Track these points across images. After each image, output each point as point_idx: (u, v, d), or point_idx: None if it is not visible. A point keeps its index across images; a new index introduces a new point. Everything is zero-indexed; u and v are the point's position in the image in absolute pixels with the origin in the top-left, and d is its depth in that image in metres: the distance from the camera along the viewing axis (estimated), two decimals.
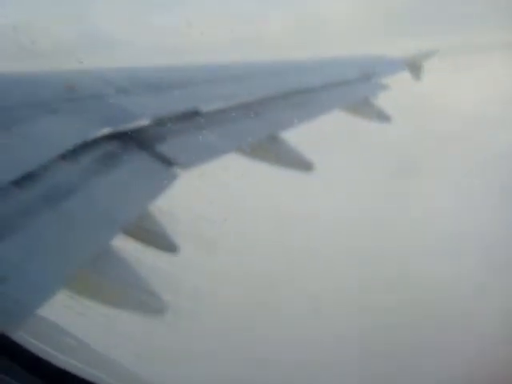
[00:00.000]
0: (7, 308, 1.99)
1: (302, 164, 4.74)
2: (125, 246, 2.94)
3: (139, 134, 3.48)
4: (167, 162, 3.36)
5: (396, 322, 5.60)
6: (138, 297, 2.86)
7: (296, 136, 4.75)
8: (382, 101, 6.75)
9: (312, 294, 5.88)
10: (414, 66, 8.23)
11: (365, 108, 6.51)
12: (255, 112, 4.57)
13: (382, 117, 6.70)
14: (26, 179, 2.60)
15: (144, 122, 3.63)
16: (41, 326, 2.22)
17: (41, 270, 2.26)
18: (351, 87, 6.36)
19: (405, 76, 8.03)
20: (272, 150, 4.54)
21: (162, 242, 3.23)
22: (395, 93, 7.20)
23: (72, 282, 2.43)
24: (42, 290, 2.17)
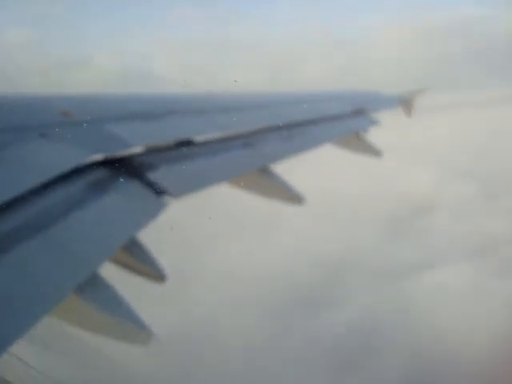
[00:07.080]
0: None
1: (292, 197, 4.74)
2: (112, 273, 2.92)
3: (131, 162, 3.48)
4: (157, 191, 3.36)
5: None
6: (124, 325, 2.82)
7: (287, 169, 4.76)
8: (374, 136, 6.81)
9: None
10: (407, 103, 8.34)
11: (356, 142, 6.56)
12: (247, 143, 4.60)
13: (373, 151, 6.75)
14: (12, 204, 2.58)
15: (136, 149, 3.64)
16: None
17: (25, 297, 2.24)
18: (343, 121, 6.41)
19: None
20: (263, 182, 4.54)
21: (150, 271, 3.21)
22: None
23: (58, 309, 2.40)
24: (26, 316, 2.15)
